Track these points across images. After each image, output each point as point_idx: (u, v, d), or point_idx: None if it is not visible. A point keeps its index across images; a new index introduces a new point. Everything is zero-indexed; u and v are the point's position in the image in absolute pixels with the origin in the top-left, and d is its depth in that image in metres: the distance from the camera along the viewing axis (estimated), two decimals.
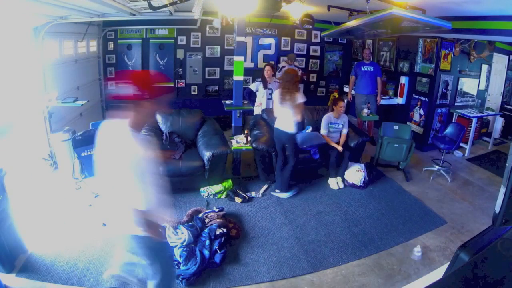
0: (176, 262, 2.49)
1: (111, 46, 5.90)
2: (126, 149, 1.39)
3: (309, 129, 4.29)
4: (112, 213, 1.60)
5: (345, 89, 6.62)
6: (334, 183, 3.94)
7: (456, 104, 5.43)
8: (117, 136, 1.43)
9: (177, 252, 2.54)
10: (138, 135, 1.48)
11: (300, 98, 3.43)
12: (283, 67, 5.65)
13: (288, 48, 6.68)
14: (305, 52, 6.84)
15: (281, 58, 6.52)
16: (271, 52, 6.59)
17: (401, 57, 5.73)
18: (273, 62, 6.17)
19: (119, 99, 1.43)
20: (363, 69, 5.38)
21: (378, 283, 2.47)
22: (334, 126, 4.11)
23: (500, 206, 0.90)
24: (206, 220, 2.99)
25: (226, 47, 6.34)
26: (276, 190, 3.70)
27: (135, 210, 1.41)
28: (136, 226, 1.46)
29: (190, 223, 2.93)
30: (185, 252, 2.50)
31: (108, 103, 6.16)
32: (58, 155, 3.92)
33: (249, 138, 3.98)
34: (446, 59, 5.02)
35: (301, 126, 3.90)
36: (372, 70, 5.36)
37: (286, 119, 3.51)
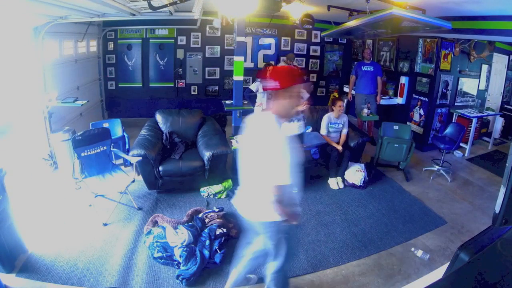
0: (176, 262, 2.49)
1: (111, 46, 5.91)
2: (275, 134, 1.54)
3: (309, 129, 4.30)
4: (250, 202, 1.74)
5: (345, 89, 6.62)
6: (334, 183, 3.94)
7: (456, 104, 5.43)
8: (266, 124, 1.58)
9: (177, 252, 2.54)
10: (282, 123, 1.62)
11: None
12: None
13: (288, 48, 6.68)
14: (305, 52, 6.84)
15: (281, 58, 6.52)
16: (271, 52, 6.60)
17: (401, 57, 5.73)
18: (273, 62, 6.17)
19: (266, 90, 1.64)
20: (363, 69, 5.37)
21: (378, 283, 2.47)
22: (334, 126, 4.11)
23: (500, 206, 0.90)
24: (206, 220, 2.99)
25: (226, 47, 6.35)
26: None
27: (279, 187, 1.51)
28: (276, 208, 1.57)
29: (190, 223, 2.93)
30: (185, 252, 2.50)
31: (108, 103, 6.16)
32: (58, 155, 3.92)
33: None
34: (446, 59, 5.02)
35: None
36: (372, 70, 5.36)
37: None
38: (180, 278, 2.35)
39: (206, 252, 2.56)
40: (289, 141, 1.57)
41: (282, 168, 1.50)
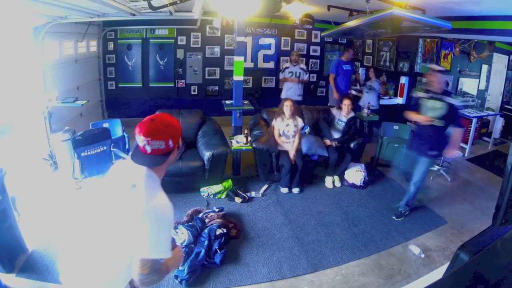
0: None
1: (111, 46, 5.90)
2: (157, 198, 1.19)
3: (307, 129, 4.30)
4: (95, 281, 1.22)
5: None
6: (330, 182, 3.95)
7: None
8: (145, 183, 1.22)
9: None
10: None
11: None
12: (286, 68, 5.56)
13: (288, 48, 6.68)
14: (305, 52, 6.84)
15: (281, 58, 6.52)
16: (271, 52, 6.60)
17: (401, 57, 5.74)
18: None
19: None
20: (344, 68, 5.45)
21: (378, 283, 2.47)
22: (340, 123, 4.13)
23: (500, 206, 0.90)
24: (206, 220, 2.99)
25: (226, 47, 6.34)
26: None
27: (154, 262, 1.18)
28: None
29: (190, 223, 2.93)
30: (184, 252, 2.49)
31: (108, 103, 6.16)
32: (58, 155, 3.92)
33: (249, 138, 3.98)
34: (446, 59, 5.03)
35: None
36: (350, 69, 5.51)
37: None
38: (178, 279, 2.35)
39: (202, 251, 2.54)
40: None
41: (166, 240, 1.18)
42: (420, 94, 3.10)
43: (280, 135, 3.91)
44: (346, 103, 4.08)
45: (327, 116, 4.31)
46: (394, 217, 3.34)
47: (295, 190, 3.77)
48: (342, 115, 4.14)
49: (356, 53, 5.87)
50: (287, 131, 3.88)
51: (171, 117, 1.36)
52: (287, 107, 3.86)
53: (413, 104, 3.17)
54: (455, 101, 3.01)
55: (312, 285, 2.43)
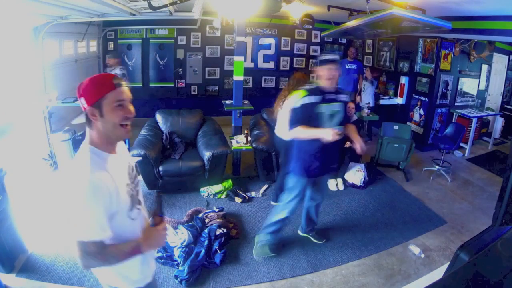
0: (176, 263, 2.49)
1: (111, 46, 5.90)
2: (79, 175, 1.06)
3: None
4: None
5: None
6: (333, 184, 3.94)
7: (456, 104, 5.43)
8: (75, 161, 1.13)
9: (176, 252, 2.54)
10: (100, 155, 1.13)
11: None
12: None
13: (288, 48, 6.68)
14: (305, 52, 6.83)
15: (281, 58, 6.50)
16: (271, 52, 6.60)
17: (401, 57, 5.74)
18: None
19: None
20: (346, 67, 5.43)
21: (378, 283, 2.47)
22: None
23: (500, 206, 0.90)
24: (206, 220, 2.99)
25: (226, 47, 6.34)
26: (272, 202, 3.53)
27: (85, 243, 1.04)
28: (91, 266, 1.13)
29: (190, 223, 2.93)
30: (183, 253, 2.50)
31: None
32: (58, 155, 3.92)
33: (249, 138, 3.98)
34: (446, 59, 5.02)
35: None
36: (355, 68, 5.46)
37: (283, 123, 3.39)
38: (178, 279, 2.35)
39: (202, 251, 2.55)
40: (116, 178, 1.12)
41: (87, 219, 1.03)
42: (307, 99, 2.26)
43: None
44: (350, 107, 4.07)
45: None
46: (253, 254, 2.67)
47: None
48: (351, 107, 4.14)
49: (356, 51, 5.85)
50: None
51: (100, 74, 1.17)
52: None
53: (299, 117, 2.27)
54: (347, 97, 2.53)
55: (312, 285, 2.43)
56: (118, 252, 1.11)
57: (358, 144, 2.38)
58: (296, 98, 2.29)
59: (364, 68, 5.74)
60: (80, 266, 1.07)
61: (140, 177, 3.43)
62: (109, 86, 1.10)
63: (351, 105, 4.27)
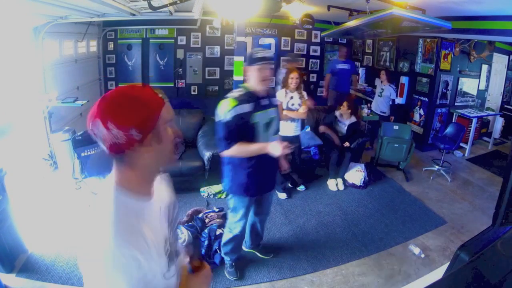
0: None
1: (111, 46, 5.90)
2: (106, 239, 0.71)
3: (307, 129, 4.31)
4: None
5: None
6: (333, 184, 3.93)
7: (456, 104, 5.43)
8: (98, 215, 0.77)
9: None
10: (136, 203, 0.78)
11: (281, 97, 3.28)
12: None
13: (288, 48, 6.68)
14: (305, 52, 6.83)
15: (282, 58, 6.51)
16: (271, 52, 6.60)
17: (401, 57, 5.74)
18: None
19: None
20: (338, 67, 5.38)
21: (378, 283, 2.47)
22: (341, 125, 4.14)
23: (500, 206, 0.90)
24: (206, 220, 2.99)
25: (226, 47, 6.34)
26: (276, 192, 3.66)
27: None
28: None
29: (190, 223, 2.93)
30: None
31: None
32: (58, 155, 3.92)
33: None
34: (446, 59, 5.02)
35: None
36: (348, 68, 5.40)
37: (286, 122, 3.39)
38: None
39: (202, 251, 2.54)
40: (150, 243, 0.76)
41: None
42: (239, 109, 1.86)
43: (283, 109, 3.41)
44: (344, 107, 4.08)
45: (328, 116, 4.31)
46: None
47: (282, 196, 3.64)
48: (344, 117, 4.14)
49: (348, 50, 5.72)
50: (291, 104, 3.44)
51: (136, 90, 0.79)
52: (292, 79, 3.43)
53: (233, 133, 1.87)
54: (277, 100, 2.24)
55: (312, 285, 2.43)
56: None
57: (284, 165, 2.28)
58: (225, 109, 1.85)
59: (379, 72, 5.29)
60: None
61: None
62: (159, 101, 0.79)
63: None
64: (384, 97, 5.03)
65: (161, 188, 0.91)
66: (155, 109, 0.77)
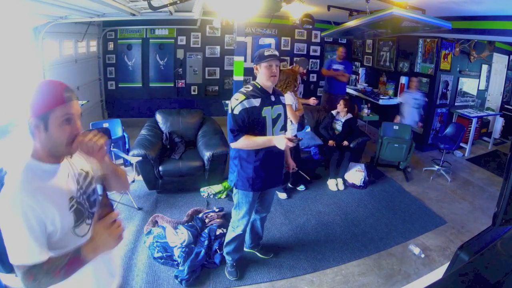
0: (176, 262, 2.49)
1: (111, 46, 5.90)
2: (8, 192, 0.94)
3: (307, 129, 4.31)
4: None
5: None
6: (333, 184, 3.93)
7: (456, 104, 5.43)
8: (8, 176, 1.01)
9: (176, 252, 2.54)
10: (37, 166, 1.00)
11: (289, 100, 3.15)
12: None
13: (288, 48, 6.68)
14: (305, 52, 6.83)
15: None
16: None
17: (401, 57, 5.74)
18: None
19: None
20: (334, 67, 5.24)
21: (378, 283, 2.47)
22: (337, 123, 4.14)
23: (500, 206, 0.90)
24: (206, 220, 2.99)
25: (226, 47, 6.34)
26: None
27: (24, 268, 0.92)
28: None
29: (190, 223, 2.93)
30: (183, 252, 2.50)
31: (108, 103, 6.16)
32: None
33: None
34: (446, 59, 5.02)
35: (300, 127, 3.88)
36: (343, 69, 5.25)
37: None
38: (178, 279, 2.35)
39: (202, 251, 2.54)
40: (47, 197, 0.97)
41: (16, 244, 0.92)
42: (247, 103, 1.95)
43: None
44: (341, 105, 4.10)
45: (327, 116, 4.31)
46: None
47: (282, 196, 3.64)
48: (340, 115, 4.15)
49: (347, 51, 5.58)
50: (295, 106, 3.41)
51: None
52: (297, 82, 3.59)
53: (241, 126, 1.95)
54: (285, 99, 2.28)
55: (312, 285, 2.43)
56: (54, 268, 0.93)
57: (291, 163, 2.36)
58: (234, 103, 1.96)
59: (409, 79, 5.07)
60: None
61: (139, 177, 3.45)
62: (59, 99, 0.98)
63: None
64: (419, 106, 4.72)
65: (77, 161, 1.14)
66: (49, 102, 0.97)
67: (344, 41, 7.08)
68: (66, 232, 1.01)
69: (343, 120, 4.12)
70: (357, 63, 7.01)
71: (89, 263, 1.02)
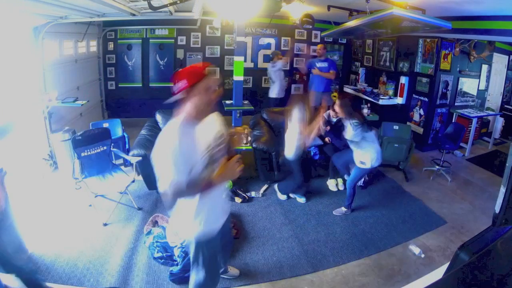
0: (176, 262, 2.50)
1: (111, 46, 5.91)
2: (168, 137, 1.44)
3: None
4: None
5: (346, 89, 6.61)
6: (333, 184, 3.93)
7: (456, 104, 5.43)
8: (167, 128, 1.50)
9: (176, 252, 2.54)
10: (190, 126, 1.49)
11: (297, 114, 3.07)
12: (284, 66, 5.48)
13: (288, 48, 6.68)
14: (305, 52, 6.83)
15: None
16: (271, 52, 6.59)
17: (401, 57, 5.74)
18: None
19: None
20: (318, 66, 5.28)
21: (378, 283, 2.47)
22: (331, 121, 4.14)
23: (500, 206, 0.90)
24: None
25: (226, 47, 6.35)
26: (277, 188, 3.68)
27: (168, 193, 1.41)
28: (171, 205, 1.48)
29: None
30: (183, 252, 2.50)
31: (108, 103, 6.16)
32: (58, 155, 3.92)
33: (249, 138, 3.98)
34: (446, 59, 5.02)
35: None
36: (326, 66, 5.30)
37: (289, 140, 3.23)
38: (169, 276, 2.37)
39: None
40: (192, 143, 1.46)
41: (171, 174, 1.37)
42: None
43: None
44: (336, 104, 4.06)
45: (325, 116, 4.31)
46: None
47: (283, 197, 3.63)
48: (332, 115, 4.08)
49: (325, 47, 5.60)
50: None
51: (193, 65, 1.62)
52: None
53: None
54: None
55: (312, 285, 2.43)
56: (193, 187, 1.45)
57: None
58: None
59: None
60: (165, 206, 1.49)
61: (139, 177, 3.44)
62: (204, 74, 1.48)
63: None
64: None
65: (214, 122, 1.66)
66: (197, 76, 1.47)
67: (344, 41, 7.08)
68: (200, 169, 1.50)
69: (334, 120, 4.09)
70: (357, 63, 7.01)
71: (214, 199, 1.63)
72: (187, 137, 1.44)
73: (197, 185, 1.46)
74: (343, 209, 3.40)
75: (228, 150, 1.66)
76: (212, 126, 1.63)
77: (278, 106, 4.99)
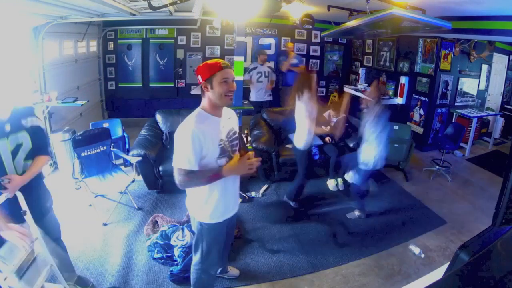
0: (176, 263, 2.50)
1: (111, 46, 5.91)
2: (185, 125, 1.57)
3: None
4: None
5: (346, 89, 6.61)
6: (333, 184, 3.93)
7: (456, 104, 5.43)
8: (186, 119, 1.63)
9: (176, 252, 2.54)
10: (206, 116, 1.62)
11: (303, 106, 2.93)
12: (254, 68, 5.42)
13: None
14: (305, 52, 6.84)
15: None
16: (271, 52, 6.59)
17: (401, 57, 5.74)
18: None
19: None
20: (292, 63, 5.44)
21: (378, 283, 2.47)
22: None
23: (500, 206, 0.90)
24: None
25: (226, 47, 6.35)
26: (286, 198, 3.53)
27: (180, 170, 1.56)
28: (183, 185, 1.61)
29: (190, 223, 2.92)
30: (183, 252, 2.50)
31: (108, 103, 6.16)
32: (58, 155, 3.92)
33: (249, 138, 3.98)
34: (446, 59, 5.02)
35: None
36: (298, 62, 5.47)
37: (299, 129, 3.06)
38: (169, 276, 2.37)
39: None
40: (209, 133, 1.58)
41: (182, 154, 1.53)
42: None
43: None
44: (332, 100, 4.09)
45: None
46: None
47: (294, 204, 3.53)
48: (332, 115, 4.08)
49: (293, 44, 5.96)
50: None
51: (211, 60, 1.66)
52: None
53: None
54: None
55: (312, 285, 2.43)
56: (202, 175, 1.57)
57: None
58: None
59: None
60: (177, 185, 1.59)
61: (139, 177, 3.44)
62: (218, 67, 1.58)
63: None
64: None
65: (229, 118, 1.77)
66: (211, 70, 1.59)
67: (344, 41, 7.08)
68: (212, 159, 1.61)
69: (335, 120, 4.09)
70: (357, 63, 7.01)
71: (227, 189, 1.74)
72: (202, 125, 1.56)
73: (205, 172, 1.58)
74: (356, 212, 3.35)
75: (241, 148, 1.77)
76: (227, 122, 1.72)
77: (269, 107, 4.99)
